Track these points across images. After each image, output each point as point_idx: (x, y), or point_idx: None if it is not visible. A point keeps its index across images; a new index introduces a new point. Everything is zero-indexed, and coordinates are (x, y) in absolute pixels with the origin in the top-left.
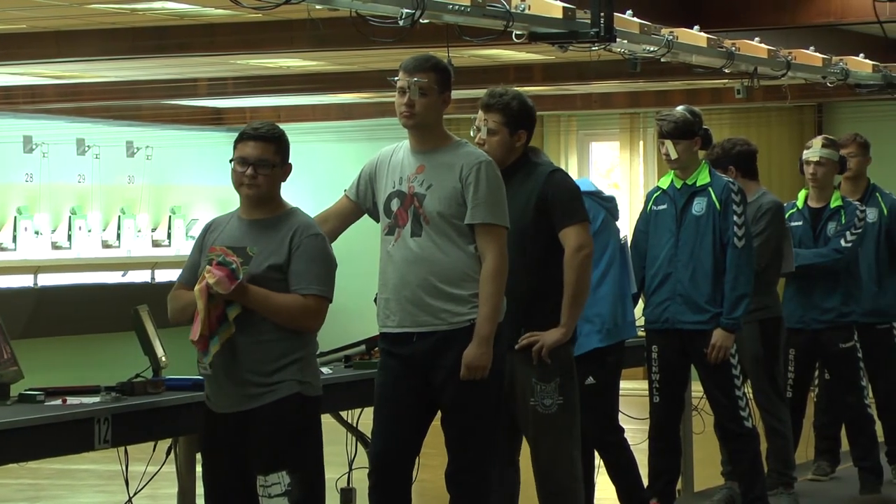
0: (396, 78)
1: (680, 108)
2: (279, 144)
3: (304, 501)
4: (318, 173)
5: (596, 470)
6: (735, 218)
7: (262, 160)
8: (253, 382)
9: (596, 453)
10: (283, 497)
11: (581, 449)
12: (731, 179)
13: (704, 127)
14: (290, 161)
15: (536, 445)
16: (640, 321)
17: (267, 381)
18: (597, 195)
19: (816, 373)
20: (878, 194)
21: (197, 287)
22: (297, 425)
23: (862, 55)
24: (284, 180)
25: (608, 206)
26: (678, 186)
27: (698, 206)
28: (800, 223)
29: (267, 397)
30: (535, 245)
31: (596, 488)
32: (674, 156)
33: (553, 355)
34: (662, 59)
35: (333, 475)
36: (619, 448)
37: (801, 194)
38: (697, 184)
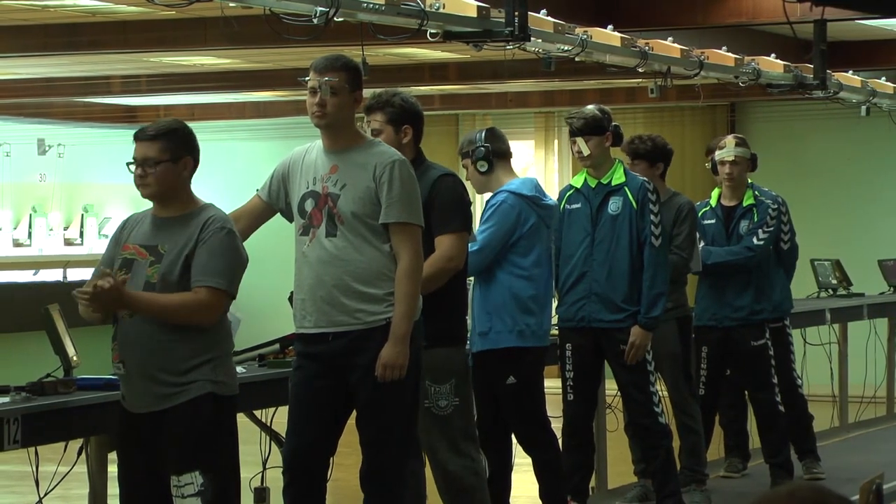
0: (307, 78)
1: (589, 107)
2: (167, 141)
3: (218, 501)
4: (233, 172)
5: (512, 468)
6: (652, 217)
7: (147, 159)
8: (166, 382)
9: (517, 451)
10: (196, 497)
11: (479, 447)
12: (645, 179)
13: (614, 124)
14: (189, 156)
15: (433, 447)
16: (554, 319)
17: (179, 381)
18: (532, 200)
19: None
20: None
21: None
22: (211, 425)
23: (773, 55)
24: (187, 176)
25: (543, 213)
26: (592, 185)
27: (614, 205)
28: (713, 221)
29: (180, 397)
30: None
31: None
32: (586, 152)
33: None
34: (577, 59)
35: (247, 474)
36: (548, 445)
37: (715, 193)
38: (613, 183)
